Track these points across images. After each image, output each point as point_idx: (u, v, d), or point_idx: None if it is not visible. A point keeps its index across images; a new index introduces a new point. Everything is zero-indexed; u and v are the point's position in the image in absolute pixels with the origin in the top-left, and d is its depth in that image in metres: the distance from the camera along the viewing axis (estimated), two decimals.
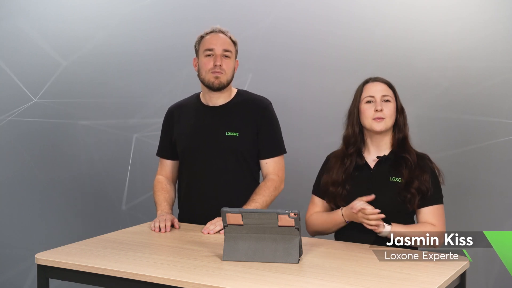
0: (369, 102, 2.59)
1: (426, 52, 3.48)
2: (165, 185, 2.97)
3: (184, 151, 2.93)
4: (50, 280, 2.34)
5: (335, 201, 2.62)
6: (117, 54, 4.04)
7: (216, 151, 2.87)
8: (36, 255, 2.32)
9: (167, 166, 3.03)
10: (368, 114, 2.58)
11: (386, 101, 2.59)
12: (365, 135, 2.65)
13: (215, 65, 2.82)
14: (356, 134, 2.63)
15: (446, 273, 2.13)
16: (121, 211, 4.07)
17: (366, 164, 2.63)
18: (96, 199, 4.13)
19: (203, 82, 2.88)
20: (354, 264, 2.23)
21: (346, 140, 2.66)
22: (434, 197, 2.55)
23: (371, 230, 2.51)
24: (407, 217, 2.58)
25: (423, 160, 2.59)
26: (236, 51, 2.92)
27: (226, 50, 2.85)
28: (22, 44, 4.15)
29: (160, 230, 2.69)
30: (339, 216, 2.58)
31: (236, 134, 2.87)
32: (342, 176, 2.61)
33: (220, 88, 2.86)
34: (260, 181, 2.96)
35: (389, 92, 2.61)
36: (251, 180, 2.94)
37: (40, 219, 4.19)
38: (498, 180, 3.41)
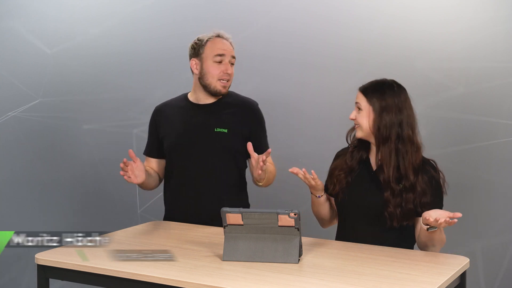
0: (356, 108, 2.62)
1: (426, 52, 3.48)
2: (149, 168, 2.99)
3: (172, 148, 2.94)
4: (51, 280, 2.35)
5: (334, 186, 2.63)
6: (117, 54, 4.05)
7: (205, 147, 2.89)
8: (36, 255, 2.32)
9: (153, 164, 3.03)
10: None
11: (359, 109, 2.57)
12: None
13: (225, 73, 2.86)
14: (351, 132, 2.66)
15: (446, 273, 2.13)
16: (121, 211, 4.07)
17: (369, 163, 2.63)
18: (97, 199, 4.13)
19: (207, 87, 2.90)
20: (354, 264, 2.23)
21: (347, 134, 2.69)
22: (437, 205, 2.52)
23: (372, 230, 2.53)
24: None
25: (418, 174, 2.53)
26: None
27: (233, 57, 2.91)
28: (19, 44, 4.15)
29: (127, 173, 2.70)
30: (312, 196, 2.65)
31: (225, 130, 2.89)
32: (348, 163, 2.63)
33: (224, 94, 2.92)
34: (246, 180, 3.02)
35: (361, 100, 2.57)
36: (240, 177, 2.98)
37: (40, 218, 4.19)
38: (498, 179, 3.41)
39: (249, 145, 2.67)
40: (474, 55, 3.41)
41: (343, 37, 3.62)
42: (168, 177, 3.00)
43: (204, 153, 2.90)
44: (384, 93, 2.54)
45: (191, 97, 2.98)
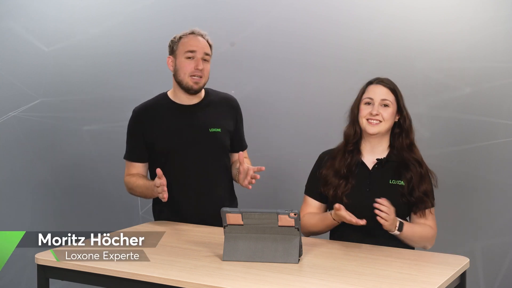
0: (367, 103, 2.62)
1: (426, 52, 3.48)
2: (140, 175, 2.98)
3: (170, 149, 2.92)
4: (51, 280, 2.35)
5: (336, 192, 2.60)
6: (117, 54, 4.04)
7: (203, 147, 2.91)
8: (36, 255, 2.32)
9: (139, 168, 2.99)
10: (363, 114, 2.61)
11: (385, 105, 2.60)
12: (362, 134, 2.66)
13: (196, 69, 2.87)
14: (355, 132, 2.65)
15: (446, 273, 2.13)
16: (123, 211, 4.06)
17: (363, 164, 2.64)
18: (98, 199, 4.12)
19: (180, 83, 2.92)
20: (354, 264, 2.23)
21: (346, 136, 2.69)
22: (431, 194, 2.60)
23: (366, 231, 2.52)
24: (405, 219, 2.59)
25: (425, 167, 2.62)
26: (211, 53, 2.97)
27: (206, 54, 2.90)
28: (19, 45, 4.14)
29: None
30: (330, 219, 2.57)
31: (219, 130, 2.94)
32: (344, 170, 2.62)
33: (197, 91, 2.92)
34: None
35: (389, 96, 2.61)
36: (230, 174, 3.03)
37: (40, 218, 4.19)
38: (498, 179, 3.41)
39: (241, 155, 2.71)
40: (474, 55, 3.41)
41: (343, 37, 3.62)
42: (167, 179, 2.92)
43: (203, 153, 2.91)
44: (399, 92, 2.66)
45: (172, 97, 2.98)
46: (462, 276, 2.28)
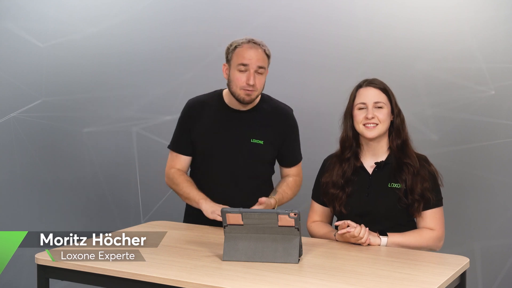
0: (361, 108, 2.58)
1: (426, 52, 3.49)
2: (189, 177, 2.90)
3: (209, 151, 2.86)
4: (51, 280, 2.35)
5: (334, 204, 2.61)
6: (117, 53, 4.04)
7: (241, 157, 2.83)
8: (36, 255, 2.32)
9: (182, 161, 2.92)
10: (358, 119, 2.58)
11: (379, 107, 2.56)
12: (360, 139, 2.63)
13: (247, 84, 2.73)
14: (350, 138, 2.62)
15: (446, 273, 2.13)
16: (124, 213, 4.07)
17: (364, 168, 2.62)
18: (98, 199, 4.12)
19: (233, 94, 2.80)
20: (354, 264, 2.23)
21: (342, 143, 2.66)
22: (433, 200, 2.55)
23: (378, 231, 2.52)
24: (406, 222, 2.58)
25: (422, 165, 2.57)
26: (269, 64, 2.83)
27: (260, 67, 2.75)
28: (20, 45, 4.14)
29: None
30: (334, 238, 2.57)
31: (261, 142, 2.83)
32: (341, 180, 2.60)
33: (250, 103, 2.81)
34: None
35: (381, 97, 2.57)
36: (270, 185, 2.96)
37: (40, 218, 4.19)
38: (497, 179, 3.41)
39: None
40: (474, 56, 3.41)
41: (343, 37, 3.62)
42: (199, 179, 2.90)
43: (241, 163, 2.83)
44: (390, 91, 2.62)
45: (226, 98, 2.88)
46: (462, 276, 2.28)
